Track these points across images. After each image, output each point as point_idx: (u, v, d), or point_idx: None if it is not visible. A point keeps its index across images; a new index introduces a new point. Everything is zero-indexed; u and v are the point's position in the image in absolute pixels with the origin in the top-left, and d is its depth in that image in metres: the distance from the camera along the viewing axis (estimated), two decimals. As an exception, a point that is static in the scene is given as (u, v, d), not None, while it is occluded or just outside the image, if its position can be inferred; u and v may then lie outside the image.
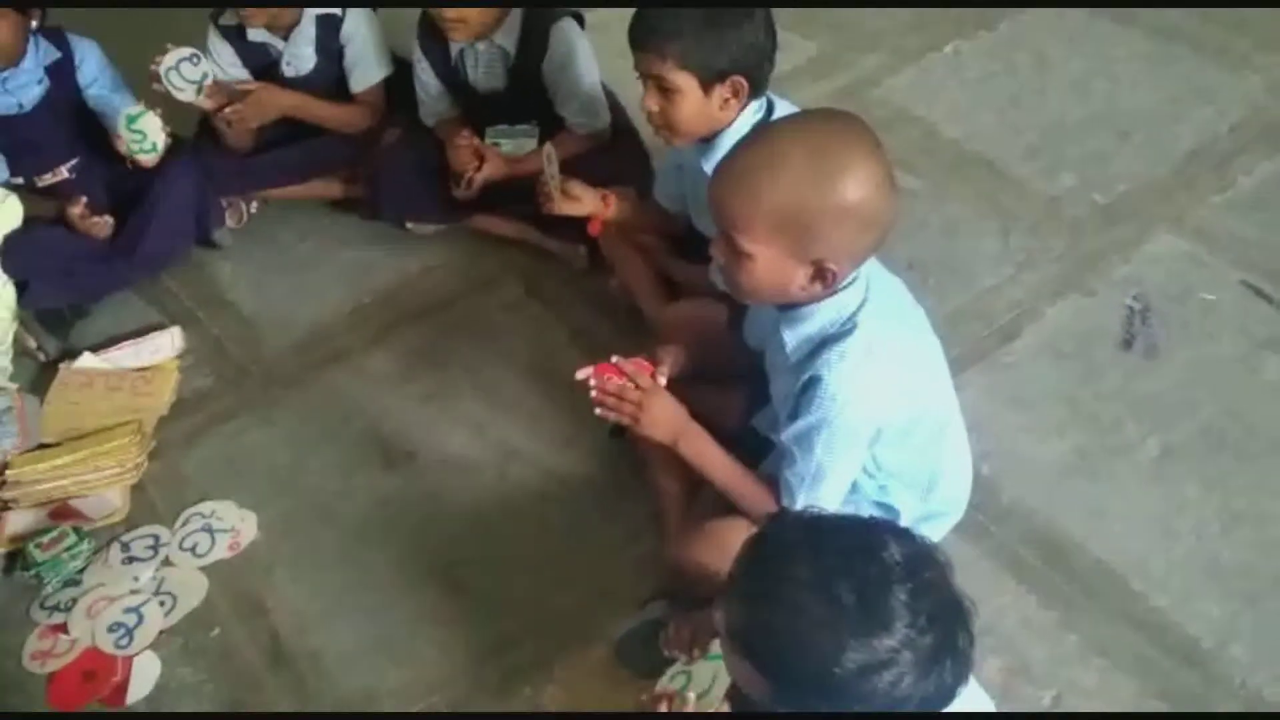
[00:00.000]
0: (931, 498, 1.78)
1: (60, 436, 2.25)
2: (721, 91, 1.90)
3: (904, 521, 1.72)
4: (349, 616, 1.95)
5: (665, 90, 1.91)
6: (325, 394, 2.33)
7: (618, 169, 2.45)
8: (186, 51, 2.40)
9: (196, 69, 2.40)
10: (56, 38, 2.46)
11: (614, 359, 1.70)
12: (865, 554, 1.15)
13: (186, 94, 2.42)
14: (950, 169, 2.62)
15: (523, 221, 2.55)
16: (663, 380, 1.73)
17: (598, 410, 1.68)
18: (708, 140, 1.97)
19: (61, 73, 2.46)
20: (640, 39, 1.91)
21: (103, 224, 2.46)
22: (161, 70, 2.38)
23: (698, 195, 2.09)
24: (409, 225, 2.63)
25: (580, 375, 1.69)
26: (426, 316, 2.47)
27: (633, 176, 2.44)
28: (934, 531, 1.77)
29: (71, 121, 2.50)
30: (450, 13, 2.34)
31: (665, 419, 1.70)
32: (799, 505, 1.61)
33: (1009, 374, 2.17)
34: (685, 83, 1.89)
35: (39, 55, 2.43)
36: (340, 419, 2.28)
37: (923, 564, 1.16)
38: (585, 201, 2.21)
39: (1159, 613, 1.79)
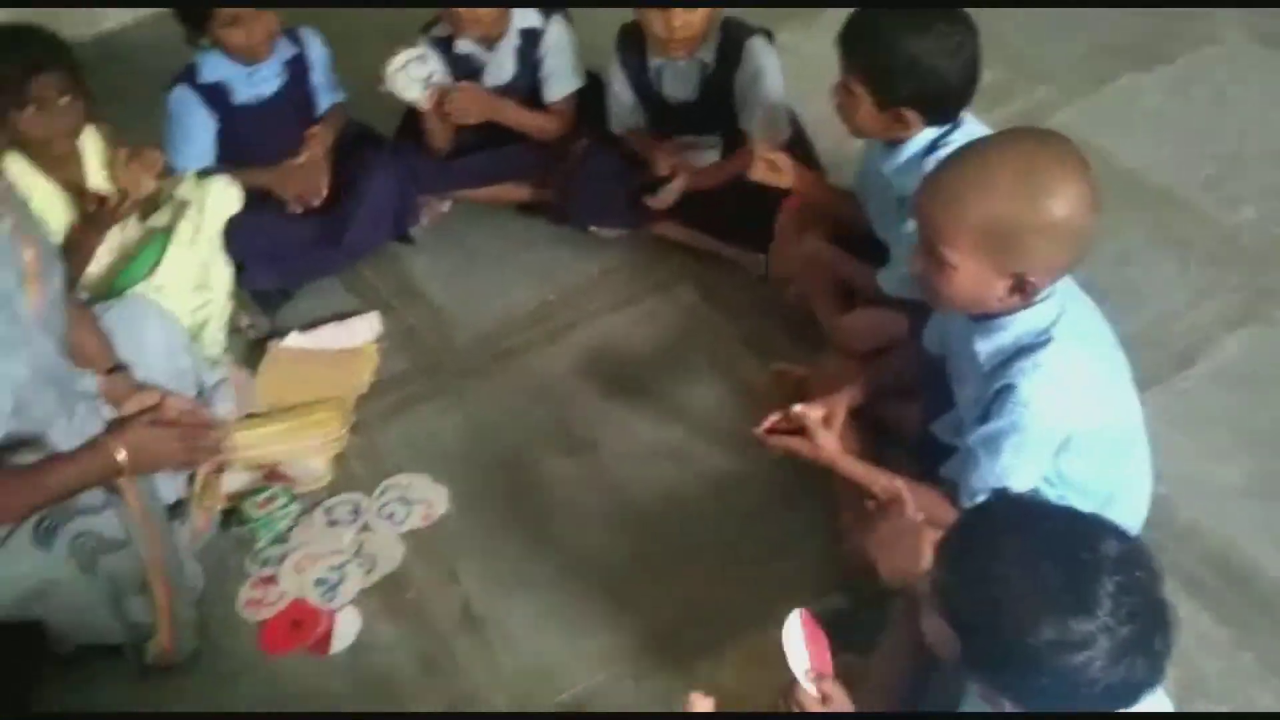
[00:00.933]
0: (1109, 512, 1.81)
1: (269, 407, 2.43)
2: (896, 114, 1.98)
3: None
4: (532, 588, 2.07)
5: (848, 91, 2.01)
6: (511, 383, 2.47)
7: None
8: (415, 51, 2.57)
9: (425, 67, 2.56)
10: (291, 34, 2.65)
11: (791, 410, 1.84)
12: (1080, 541, 1.21)
13: (412, 92, 2.58)
14: (1127, 198, 2.64)
15: (702, 229, 2.67)
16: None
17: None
18: (890, 144, 2.05)
19: (297, 68, 2.65)
20: (839, 42, 2.02)
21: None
22: (390, 70, 2.55)
23: (878, 196, 2.18)
24: (592, 229, 2.77)
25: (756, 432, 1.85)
26: (606, 316, 2.60)
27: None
28: (1109, 544, 1.81)
29: (301, 114, 2.70)
30: (466, 13, 2.53)
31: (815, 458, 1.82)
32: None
33: (1185, 399, 2.19)
34: (862, 96, 1.99)
35: (280, 51, 2.63)
36: (525, 407, 2.41)
37: (1136, 563, 1.22)
38: (785, 174, 2.30)
39: (1338, 636, 1.80)
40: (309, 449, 2.33)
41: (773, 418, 1.86)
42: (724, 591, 2.00)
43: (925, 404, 1.97)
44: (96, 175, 2.42)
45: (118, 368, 2.19)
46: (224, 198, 2.56)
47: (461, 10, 2.58)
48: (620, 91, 2.67)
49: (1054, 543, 1.21)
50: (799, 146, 2.66)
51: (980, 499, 1.66)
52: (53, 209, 2.34)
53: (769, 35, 2.57)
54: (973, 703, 1.37)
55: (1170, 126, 2.87)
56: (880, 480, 1.76)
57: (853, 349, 2.22)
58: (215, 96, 2.60)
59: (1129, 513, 1.84)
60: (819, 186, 2.35)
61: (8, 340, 1.92)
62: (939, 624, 1.27)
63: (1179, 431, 2.12)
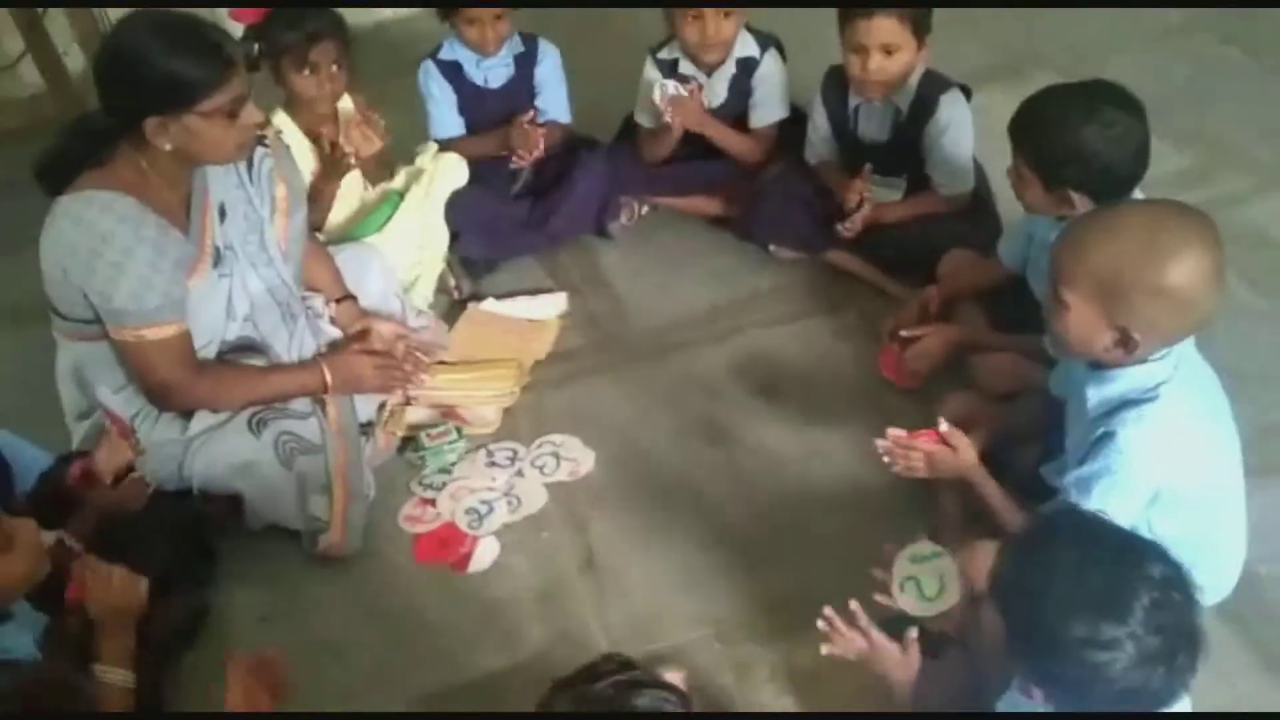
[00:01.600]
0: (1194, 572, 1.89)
1: (458, 359, 2.75)
2: (1063, 195, 2.10)
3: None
4: (652, 550, 2.29)
5: (1018, 173, 2.18)
6: (671, 373, 2.71)
7: (967, 232, 2.70)
8: (659, 84, 2.85)
9: (669, 90, 2.84)
10: (527, 37, 2.98)
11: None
12: (1128, 557, 1.35)
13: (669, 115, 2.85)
14: (1299, 294, 2.66)
15: (872, 262, 2.84)
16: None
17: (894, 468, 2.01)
18: (1060, 220, 2.16)
19: (524, 65, 2.98)
20: (1009, 128, 2.18)
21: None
22: (658, 98, 2.83)
23: (1039, 263, 2.30)
24: (772, 248, 2.97)
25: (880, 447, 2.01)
26: (768, 328, 2.80)
27: (979, 242, 2.66)
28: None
29: (518, 114, 2.96)
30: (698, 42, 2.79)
31: (948, 466, 1.97)
32: None
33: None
34: (1030, 178, 2.14)
35: (511, 44, 2.95)
36: (679, 395, 2.64)
37: (1176, 587, 1.34)
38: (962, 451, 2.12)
39: None
40: (484, 398, 2.63)
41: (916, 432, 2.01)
42: (825, 584, 2.11)
43: (1041, 449, 2.08)
44: (344, 136, 2.80)
45: (347, 297, 2.56)
46: (453, 172, 2.93)
47: (711, 34, 2.83)
48: (820, 125, 2.87)
49: (1104, 555, 1.36)
50: (981, 202, 2.80)
51: None
52: (304, 161, 2.74)
53: (967, 92, 2.73)
54: (1012, 699, 1.50)
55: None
56: (1009, 510, 1.91)
57: (991, 390, 2.35)
58: (451, 73, 2.97)
59: (1215, 577, 1.90)
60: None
61: (255, 258, 2.30)
62: (993, 613, 1.43)
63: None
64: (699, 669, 2.06)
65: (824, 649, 1.78)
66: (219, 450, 2.27)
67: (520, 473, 2.49)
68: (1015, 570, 1.41)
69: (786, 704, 2.00)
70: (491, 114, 2.98)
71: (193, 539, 2.31)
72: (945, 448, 1.97)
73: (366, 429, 2.52)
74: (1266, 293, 2.67)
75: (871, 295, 2.83)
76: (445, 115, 2.99)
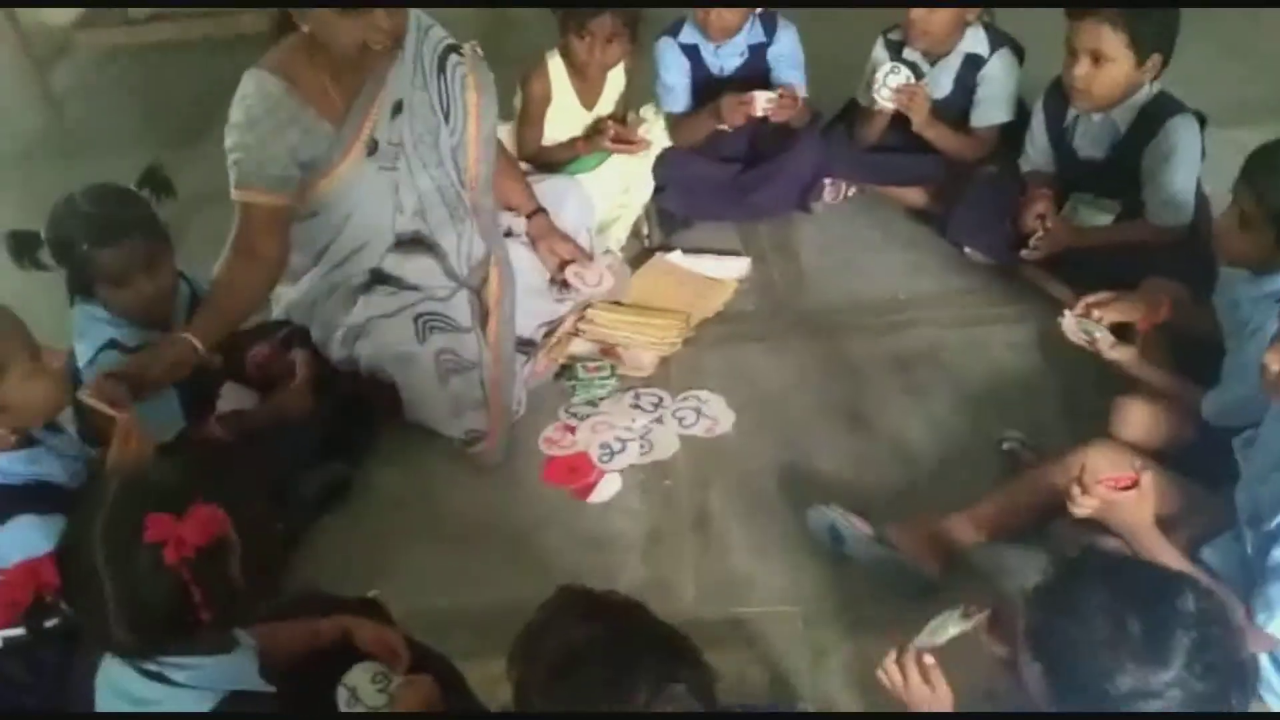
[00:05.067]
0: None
1: (632, 302, 2.86)
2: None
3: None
4: (763, 519, 2.33)
5: (1242, 215, 2.04)
6: (830, 352, 2.72)
7: (1175, 269, 2.53)
8: (888, 65, 2.85)
9: (898, 77, 2.83)
10: (768, 21, 3.01)
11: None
12: (1160, 596, 1.30)
13: (885, 98, 2.84)
14: None
15: (1066, 284, 2.72)
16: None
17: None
18: (1258, 273, 2.07)
19: (758, 52, 3.01)
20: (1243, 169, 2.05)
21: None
22: (876, 85, 2.83)
23: (1227, 318, 2.17)
24: (966, 250, 2.91)
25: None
26: (941, 329, 2.76)
27: (1193, 279, 2.49)
28: None
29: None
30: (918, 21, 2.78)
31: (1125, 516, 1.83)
32: (1275, 625, 1.68)
33: None
34: (1257, 222, 2.01)
35: (749, 34, 3.00)
36: (831, 376, 2.65)
37: (1214, 619, 1.28)
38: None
39: None
40: (646, 343, 2.72)
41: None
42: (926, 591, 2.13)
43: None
44: (607, 102, 3.02)
45: (539, 211, 2.71)
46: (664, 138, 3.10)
47: (917, 22, 2.81)
48: (1037, 134, 2.78)
49: (1136, 594, 1.31)
50: (1197, 240, 2.62)
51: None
52: (566, 113, 2.97)
53: (1201, 120, 2.56)
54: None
55: None
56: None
57: (1120, 436, 2.19)
58: (689, 54, 3.04)
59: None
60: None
61: (426, 158, 2.47)
62: (1035, 669, 1.37)
63: None
64: (777, 643, 2.10)
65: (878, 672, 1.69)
66: (385, 338, 2.48)
67: (660, 419, 2.57)
68: (1048, 622, 1.36)
69: (849, 698, 2.00)
70: (711, 98, 3.01)
71: (352, 416, 2.53)
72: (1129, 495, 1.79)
73: (527, 347, 2.67)
74: None
75: (1054, 315, 2.71)
76: (677, 95, 3.08)
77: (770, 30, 3.02)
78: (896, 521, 2.18)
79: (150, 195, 2.27)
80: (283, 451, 2.36)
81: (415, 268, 2.53)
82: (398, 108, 2.41)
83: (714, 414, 2.58)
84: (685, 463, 2.48)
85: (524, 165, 2.92)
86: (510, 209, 2.75)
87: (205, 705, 1.39)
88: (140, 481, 1.40)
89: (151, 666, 1.38)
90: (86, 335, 2.27)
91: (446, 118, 2.48)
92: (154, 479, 1.41)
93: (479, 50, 2.50)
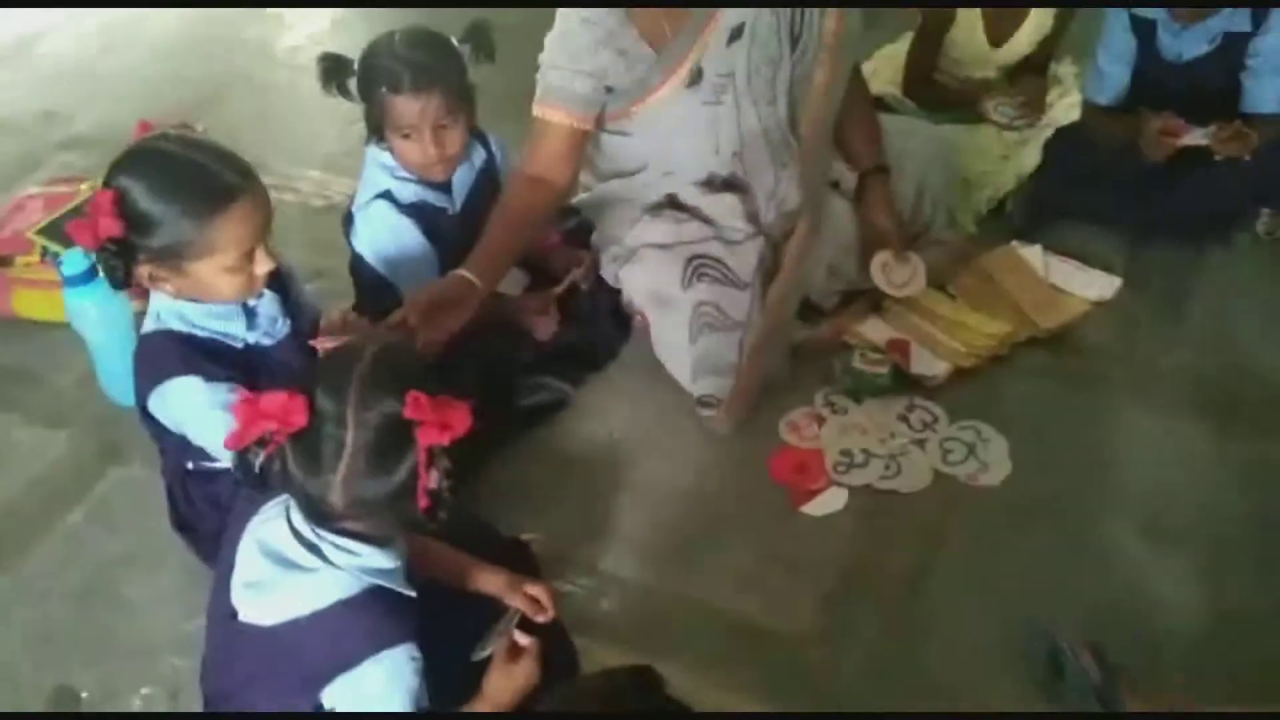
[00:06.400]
0: None
1: (959, 293, 2.41)
2: None
3: None
4: (977, 602, 1.89)
5: None
6: (1187, 434, 2.16)
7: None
8: None
9: None
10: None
11: None
12: None
13: None
14: None
15: None
16: None
17: None
18: None
19: (1235, 43, 2.39)
20: None
21: None
22: None
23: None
24: None
25: None
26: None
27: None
28: None
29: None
30: None
31: None
32: None
33: None
34: None
35: (1228, 18, 2.36)
36: (1163, 464, 2.10)
37: None
38: None
39: None
40: (948, 350, 2.29)
41: None
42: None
43: None
44: (1021, 43, 2.74)
45: (880, 170, 2.36)
46: (1075, 111, 2.71)
47: None
48: None
49: None
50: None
51: None
52: (967, 46, 2.74)
53: None
54: None
55: None
56: None
57: None
58: (1141, 32, 2.48)
59: None
60: None
61: (758, 94, 2.17)
62: None
63: None
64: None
65: None
66: (650, 271, 2.26)
67: (922, 444, 2.16)
68: None
69: None
70: (1174, 91, 2.47)
71: (596, 335, 2.35)
72: None
73: (808, 315, 2.35)
74: None
75: None
76: (1108, 84, 2.58)
77: (1259, 16, 2.35)
78: (1141, 684, 1.68)
79: (470, 52, 2.16)
80: (518, 356, 2.24)
81: (715, 202, 2.26)
82: (736, 33, 2.09)
83: (987, 460, 2.12)
84: (928, 505, 2.06)
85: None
86: (846, 160, 2.38)
87: (348, 590, 1.37)
88: (402, 350, 1.43)
89: (311, 537, 1.37)
90: (367, 180, 2.24)
91: (795, 45, 2.13)
92: (410, 356, 1.43)
93: None
